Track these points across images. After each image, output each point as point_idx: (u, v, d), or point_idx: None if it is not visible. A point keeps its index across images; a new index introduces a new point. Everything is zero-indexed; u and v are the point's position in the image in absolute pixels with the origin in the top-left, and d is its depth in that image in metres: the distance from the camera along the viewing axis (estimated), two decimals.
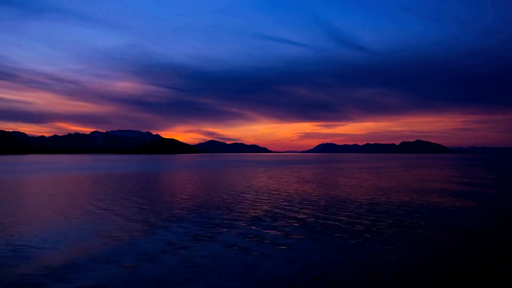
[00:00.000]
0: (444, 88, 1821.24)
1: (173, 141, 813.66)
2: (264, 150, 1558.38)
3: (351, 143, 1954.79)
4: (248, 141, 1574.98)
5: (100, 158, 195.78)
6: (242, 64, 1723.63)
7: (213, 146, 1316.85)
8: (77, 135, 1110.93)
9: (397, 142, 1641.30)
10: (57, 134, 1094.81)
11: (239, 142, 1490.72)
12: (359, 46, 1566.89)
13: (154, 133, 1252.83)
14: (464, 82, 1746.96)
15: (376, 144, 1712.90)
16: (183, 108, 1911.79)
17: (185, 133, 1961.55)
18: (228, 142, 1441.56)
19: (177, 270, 11.23)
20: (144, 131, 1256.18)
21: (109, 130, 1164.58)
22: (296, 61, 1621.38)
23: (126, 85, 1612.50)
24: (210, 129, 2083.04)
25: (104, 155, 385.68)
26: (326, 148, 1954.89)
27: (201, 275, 10.83)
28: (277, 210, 22.02)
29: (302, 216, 20.19)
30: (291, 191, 32.20)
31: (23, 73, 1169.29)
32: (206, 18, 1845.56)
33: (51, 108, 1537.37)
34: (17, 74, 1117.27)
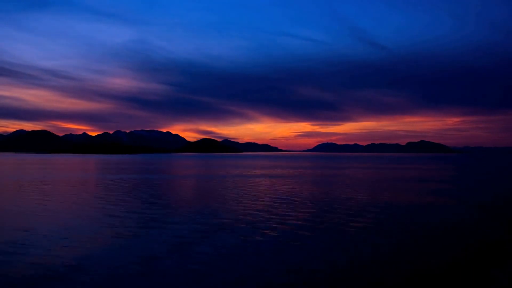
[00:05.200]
0: (444, 87, 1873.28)
1: (212, 141, 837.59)
2: (275, 149, 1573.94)
3: (351, 143, 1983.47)
4: (244, 140, 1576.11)
5: (195, 157, 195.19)
6: (246, 61, 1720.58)
7: (229, 145, 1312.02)
8: (106, 134, 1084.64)
9: (402, 142, 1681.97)
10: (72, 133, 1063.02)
11: (235, 141, 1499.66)
12: (374, 42, 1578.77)
13: (173, 133, 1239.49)
14: (464, 81, 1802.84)
15: (381, 144, 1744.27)
16: (182, 106, 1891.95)
17: (183, 131, 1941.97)
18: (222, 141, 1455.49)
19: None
20: (163, 130, 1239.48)
21: (133, 130, 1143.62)
22: (303, 58, 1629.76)
23: (126, 83, 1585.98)
24: (207, 127, 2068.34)
25: (164, 154, 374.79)
26: (326, 147, 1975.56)
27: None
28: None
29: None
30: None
31: (22, 69, 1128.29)
32: (219, 12, 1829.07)
33: (47, 106, 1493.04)
34: (15, 70, 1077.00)
